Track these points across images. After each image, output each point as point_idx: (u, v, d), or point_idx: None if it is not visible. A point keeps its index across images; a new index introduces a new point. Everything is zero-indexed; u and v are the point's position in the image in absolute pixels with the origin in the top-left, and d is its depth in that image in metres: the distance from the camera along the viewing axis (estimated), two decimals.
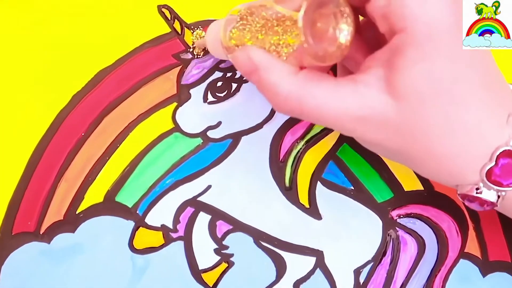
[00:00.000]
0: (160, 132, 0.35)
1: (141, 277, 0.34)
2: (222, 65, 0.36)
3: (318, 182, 0.35)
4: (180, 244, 0.34)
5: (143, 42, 0.36)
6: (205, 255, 0.34)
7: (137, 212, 0.34)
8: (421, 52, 0.23)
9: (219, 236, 0.34)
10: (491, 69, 0.25)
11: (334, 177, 0.35)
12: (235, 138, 0.35)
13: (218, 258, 0.34)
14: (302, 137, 0.35)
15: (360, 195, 0.35)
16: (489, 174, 0.25)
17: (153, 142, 0.35)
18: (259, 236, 0.34)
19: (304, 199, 0.35)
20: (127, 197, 0.34)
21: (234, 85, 0.35)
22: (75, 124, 0.35)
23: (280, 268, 0.34)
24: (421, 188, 0.35)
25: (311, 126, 0.35)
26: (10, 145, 0.35)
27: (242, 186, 0.35)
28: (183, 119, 0.35)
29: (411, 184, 0.35)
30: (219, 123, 0.35)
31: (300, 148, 0.35)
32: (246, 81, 0.35)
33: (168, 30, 0.36)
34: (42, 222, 0.34)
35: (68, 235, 0.34)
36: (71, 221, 0.34)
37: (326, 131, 0.35)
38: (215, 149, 0.35)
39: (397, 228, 0.35)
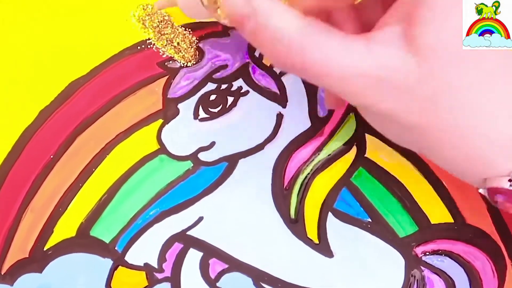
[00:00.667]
0: (143, 154, 0.33)
1: None
2: (216, 75, 0.35)
3: (329, 213, 0.33)
4: (166, 287, 0.32)
5: (123, 49, 0.35)
6: None
7: (116, 248, 0.32)
8: (440, 3, 0.21)
9: (213, 277, 0.32)
10: None
11: (348, 207, 0.33)
12: (231, 161, 0.33)
13: None
14: (310, 160, 0.33)
15: (379, 228, 0.33)
16: None
17: (135, 166, 0.33)
18: (259, 277, 0.32)
19: (312, 233, 0.32)
20: (104, 231, 0.33)
21: (230, 99, 0.34)
22: (42, 145, 0.33)
23: None
24: (451, 220, 0.32)
25: (321, 147, 0.33)
26: None
27: (240, 218, 0.33)
28: (170, 139, 0.34)
29: (438, 215, 0.32)
30: (213, 144, 0.33)
31: (308, 173, 0.33)
32: (243, 94, 0.34)
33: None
34: (4, 261, 0.33)
35: (34, 276, 0.32)
36: (38, 259, 0.32)
37: (338, 153, 0.33)
38: (208, 174, 0.33)
39: (422, 267, 0.33)
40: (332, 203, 0.32)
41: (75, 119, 0.33)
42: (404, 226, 0.32)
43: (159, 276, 0.32)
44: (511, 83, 0.23)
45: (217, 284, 0.32)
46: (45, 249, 0.32)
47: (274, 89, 0.33)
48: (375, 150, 0.32)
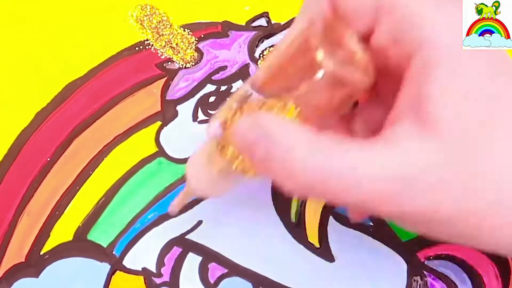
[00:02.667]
0: (141, 157, 0.33)
1: None
2: (215, 77, 0.35)
3: (331, 217, 0.33)
4: None
5: (120, 50, 0.35)
6: None
7: (113, 253, 0.32)
8: (449, 68, 0.20)
9: (212, 281, 0.32)
10: None
11: None
12: None
13: None
14: None
15: (381, 232, 0.33)
16: None
17: (133, 169, 0.33)
18: (259, 282, 0.32)
19: (313, 237, 0.32)
20: (102, 234, 0.32)
21: None
22: (39, 147, 0.33)
23: None
24: None
25: None
26: None
27: (239, 222, 0.33)
28: (168, 141, 0.33)
29: None
30: None
31: None
32: None
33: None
34: None
35: (30, 281, 0.32)
36: (35, 263, 0.32)
37: None
38: None
39: (425, 272, 0.32)
40: (333, 206, 0.32)
41: (72, 121, 0.33)
42: (406, 231, 0.32)
43: (158, 281, 0.31)
44: None
45: None
46: (41, 253, 0.32)
47: None
48: None
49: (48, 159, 0.32)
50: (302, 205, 0.32)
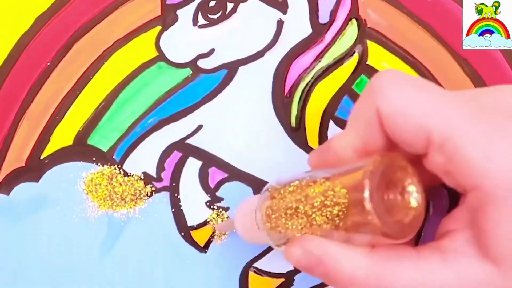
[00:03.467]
0: (141, 61, 0.32)
1: (118, 235, 0.32)
2: None
3: (331, 121, 0.32)
4: (165, 196, 0.32)
5: None
6: (195, 209, 0.32)
7: (114, 157, 0.32)
8: (506, 210, 0.21)
9: (212, 186, 0.32)
10: None
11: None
12: (231, 68, 0.32)
13: (210, 212, 0.32)
14: (311, 68, 0.32)
15: None
16: None
17: (133, 74, 0.32)
18: (259, 186, 0.31)
19: (313, 141, 0.32)
20: (102, 139, 0.32)
21: (230, 5, 0.32)
22: (39, 52, 0.32)
23: None
24: None
25: (323, 53, 0.32)
26: None
27: (240, 126, 0.32)
28: (168, 46, 0.33)
29: None
30: (212, 51, 0.32)
31: (309, 81, 0.32)
32: (243, 1, 0.32)
33: None
34: None
35: (31, 185, 0.32)
36: (35, 168, 0.32)
37: (339, 61, 0.32)
38: (207, 81, 0.32)
39: None
40: (333, 111, 0.32)
41: (72, 25, 0.32)
42: None
43: (158, 185, 0.32)
44: None
45: (217, 194, 0.32)
46: (41, 158, 0.32)
47: None
48: (378, 57, 0.31)
49: (48, 64, 0.32)
50: (302, 109, 0.31)
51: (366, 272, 0.23)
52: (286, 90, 0.32)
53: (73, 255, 0.31)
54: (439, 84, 0.30)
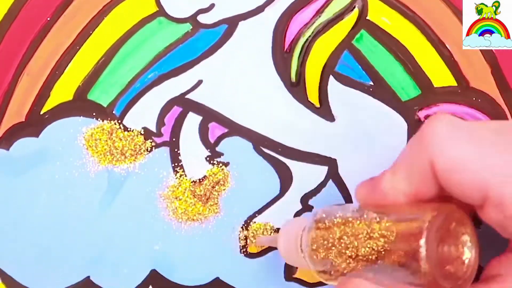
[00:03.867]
0: (141, 16, 0.32)
1: (118, 191, 0.32)
2: None
3: (331, 76, 0.32)
4: (165, 151, 0.32)
5: None
6: (195, 164, 0.32)
7: (114, 112, 0.32)
8: None
9: (212, 141, 0.32)
10: None
11: (350, 70, 0.32)
12: (231, 23, 0.32)
13: (210, 167, 0.32)
14: (311, 23, 0.32)
15: (381, 91, 0.32)
16: None
17: (133, 29, 0.32)
18: (259, 141, 0.32)
19: (313, 96, 0.32)
20: (102, 94, 0.32)
21: None
22: (38, 7, 0.32)
23: (285, 179, 0.32)
24: (454, 83, 0.31)
25: (323, 8, 0.32)
26: None
27: (239, 81, 0.32)
28: (168, 1, 0.32)
29: (441, 78, 0.31)
30: (212, 6, 0.32)
31: (309, 36, 0.31)
32: None
33: None
34: None
35: (30, 140, 0.32)
36: (35, 123, 0.32)
37: (339, 16, 0.32)
38: (207, 36, 0.32)
39: None
40: (334, 66, 0.31)
41: None
42: (406, 90, 0.31)
43: (158, 140, 0.31)
44: None
45: (217, 149, 0.32)
46: (41, 113, 0.31)
47: None
48: (377, 12, 0.31)
49: (48, 19, 0.31)
50: (302, 64, 0.31)
51: None
52: (286, 45, 0.31)
53: (73, 209, 0.31)
54: (439, 41, 0.30)
